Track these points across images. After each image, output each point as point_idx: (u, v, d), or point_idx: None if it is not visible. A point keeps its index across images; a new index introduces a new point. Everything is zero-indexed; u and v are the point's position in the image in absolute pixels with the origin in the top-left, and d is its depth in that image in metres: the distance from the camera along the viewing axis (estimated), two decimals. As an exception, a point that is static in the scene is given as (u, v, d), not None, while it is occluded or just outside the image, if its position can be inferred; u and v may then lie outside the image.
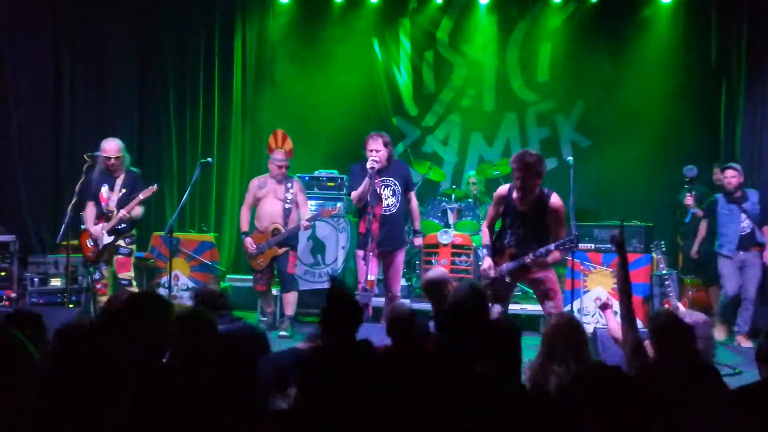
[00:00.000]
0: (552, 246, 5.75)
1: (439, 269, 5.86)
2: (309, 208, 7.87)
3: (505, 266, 5.86)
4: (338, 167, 9.12)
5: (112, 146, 7.35)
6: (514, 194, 5.81)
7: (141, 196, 7.26)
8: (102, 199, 7.37)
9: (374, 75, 10.55)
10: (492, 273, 5.85)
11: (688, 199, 8.18)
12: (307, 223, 7.47)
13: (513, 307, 7.40)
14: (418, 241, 7.50)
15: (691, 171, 8.26)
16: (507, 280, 5.87)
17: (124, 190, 7.34)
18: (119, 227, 7.33)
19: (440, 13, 10.50)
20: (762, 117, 8.30)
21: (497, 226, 6.11)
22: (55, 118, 8.91)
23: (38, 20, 8.75)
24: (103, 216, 7.38)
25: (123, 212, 7.23)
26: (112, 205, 7.32)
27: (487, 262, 5.91)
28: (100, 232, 7.33)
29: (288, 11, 10.39)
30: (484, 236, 6.10)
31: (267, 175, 7.72)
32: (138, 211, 7.39)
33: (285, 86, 10.37)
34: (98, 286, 7.46)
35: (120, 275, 7.36)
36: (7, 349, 2.62)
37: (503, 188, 5.97)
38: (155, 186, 7.41)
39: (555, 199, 5.79)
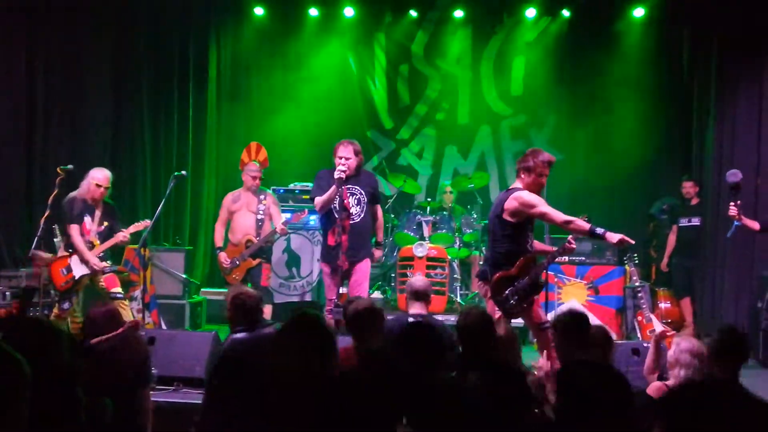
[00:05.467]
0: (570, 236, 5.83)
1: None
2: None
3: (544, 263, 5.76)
4: (313, 180, 9.08)
5: (105, 175, 7.18)
6: None
7: (118, 240, 7.15)
8: (84, 230, 7.18)
9: (349, 88, 10.60)
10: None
11: (732, 210, 6.56)
12: (284, 227, 7.36)
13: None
14: (378, 253, 7.13)
15: (734, 176, 6.67)
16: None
17: (105, 224, 7.19)
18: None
19: (415, 26, 10.58)
20: (732, 130, 8.38)
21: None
22: (27, 131, 8.81)
23: (12, 33, 8.67)
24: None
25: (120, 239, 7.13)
26: (94, 238, 7.15)
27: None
28: (92, 258, 7.10)
29: (263, 25, 10.39)
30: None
31: (241, 190, 7.69)
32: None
33: (259, 100, 10.37)
34: (63, 315, 7.13)
35: (112, 290, 7.16)
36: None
37: (528, 193, 5.62)
38: (126, 235, 7.18)
39: None
